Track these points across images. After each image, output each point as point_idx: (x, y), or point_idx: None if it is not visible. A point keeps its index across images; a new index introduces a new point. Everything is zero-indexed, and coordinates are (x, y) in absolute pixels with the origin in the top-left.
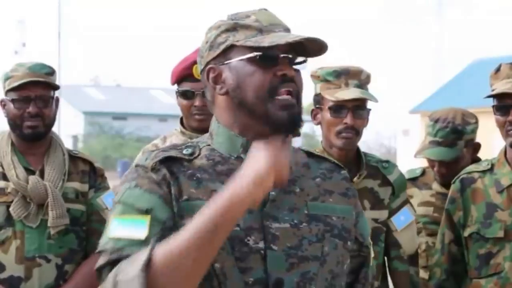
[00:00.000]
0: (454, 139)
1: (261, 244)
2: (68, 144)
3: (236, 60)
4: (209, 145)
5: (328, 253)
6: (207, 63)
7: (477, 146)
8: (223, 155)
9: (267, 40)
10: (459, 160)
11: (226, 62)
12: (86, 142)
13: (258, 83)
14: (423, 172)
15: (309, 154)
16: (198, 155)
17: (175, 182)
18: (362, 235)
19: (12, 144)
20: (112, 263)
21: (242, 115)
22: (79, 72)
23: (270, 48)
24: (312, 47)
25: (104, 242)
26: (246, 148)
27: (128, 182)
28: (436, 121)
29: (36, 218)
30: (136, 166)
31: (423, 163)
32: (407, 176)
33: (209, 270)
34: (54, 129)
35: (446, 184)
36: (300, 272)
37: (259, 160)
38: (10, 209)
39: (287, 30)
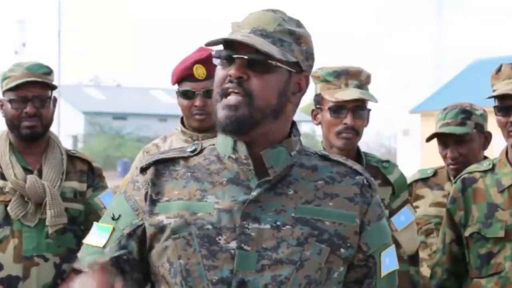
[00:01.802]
0: (463, 118)
1: (233, 244)
2: (68, 144)
3: None
4: (213, 144)
5: (308, 258)
6: None
7: (488, 136)
8: (220, 154)
9: (215, 38)
10: (470, 142)
11: None
12: (86, 142)
13: (216, 83)
14: (435, 173)
15: (325, 158)
16: (199, 152)
17: (160, 184)
18: (366, 244)
19: (10, 144)
20: (76, 271)
21: None
22: (79, 72)
23: (229, 49)
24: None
25: (82, 247)
26: (234, 148)
27: (126, 184)
28: (445, 109)
29: (34, 217)
30: (137, 167)
31: (423, 163)
32: (418, 176)
33: (175, 266)
34: (54, 129)
35: None
36: (271, 275)
37: None
38: (8, 208)
39: (256, 31)
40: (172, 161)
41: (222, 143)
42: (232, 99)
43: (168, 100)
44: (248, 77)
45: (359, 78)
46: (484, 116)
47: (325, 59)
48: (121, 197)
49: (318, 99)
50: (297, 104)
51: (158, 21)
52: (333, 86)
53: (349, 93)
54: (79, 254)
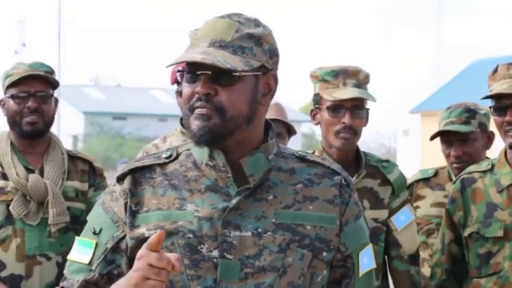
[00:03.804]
0: (467, 117)
1: (215, 253)
2: (68, 144)
3: None
4: (189, 149)
5: (291, 264)
6: None
7: (491, 135)
8: (196, 161)
9: (173, 59)
10: (474, 141)
11: None
12: (86, 142)
13: (184, 99)
14: (436, 173)
15: (302, 159)
16: (175, 158)
17: (138, 193)
18: (344, 245)
19: (12, 144)
20: None
21: None
22: (79, 72)
23: (192, 65)
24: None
25: (66, 264)
26: (211, 156)
27: (103, 194)
28: (449, 108)
29: (36, 216)
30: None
31: (423, 163)
32: (419, 176)
33: None
34: (54, 129)
35: None
36: (254, 283)
37: (131, 281)
38: (10, 207)
39: (215, 43)
40: (149, 168)
41: (198, 149)
42: (204, 110)
43: (168, 100)
44: (216, 92)
45: (358, 78)
46: (487, 116)
47: (325, 59)
48: (99, 209)
49: (317, 99)
50: (267, 104)
51: (159, 21)
52: (331, 85)
53: (347, 92)
54: (65, 271)
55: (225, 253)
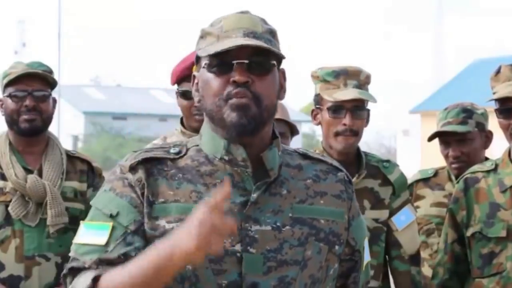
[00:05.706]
0: (464, 117)
1: (238, 247)
2: (68, 144)
3: (200, 69)
4: (197, 145)
5: (310, 258)
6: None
7: (490, 135)
8: (208, 156)
9: (212, 48)
10: (472, 141)
11: (198, 71)
12: (86, 142)
13: (214, 91)
14: (436, 173)
15: (305, 156)
16: (184, 154)
17: (152, 184)
18: (354, 239)
19: (10, 144)
20: (73, 271)
21: (211, 123)
22: (79, 72)
23: (224, 55)
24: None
25: (71, 248)
26: (228, 150)
27: (106, 183)
28: (446, 108)
29: (35, 217)
30: (118, 165)
31: (423, 163)
32: (419, 177)
33: (181, 272)
34: (54, 129)
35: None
36: (278, 276)
37: (188, 239)
38: (9, 208)
39: (249, 34)
40: (159, 160)
41: (210, 143)
42: (243, 99)
43: (169, 100)
44: (252, 81)
45: (358, 78)
46: (485, 115)
47: (325, 59)
48: (110, 194)
49: (318, 99)
50: None
51: (158, 20)
52: (332, 86)
53: (348, 93)
54: (73, 254)
55: (248, 247)
